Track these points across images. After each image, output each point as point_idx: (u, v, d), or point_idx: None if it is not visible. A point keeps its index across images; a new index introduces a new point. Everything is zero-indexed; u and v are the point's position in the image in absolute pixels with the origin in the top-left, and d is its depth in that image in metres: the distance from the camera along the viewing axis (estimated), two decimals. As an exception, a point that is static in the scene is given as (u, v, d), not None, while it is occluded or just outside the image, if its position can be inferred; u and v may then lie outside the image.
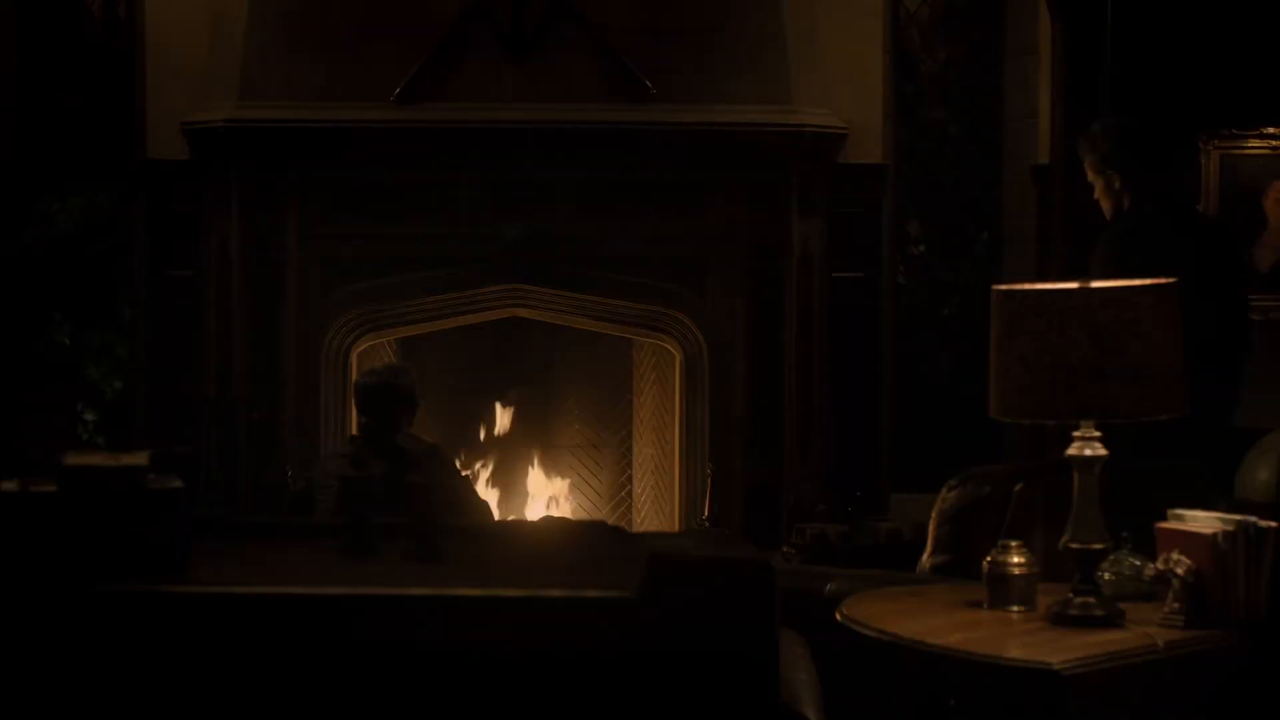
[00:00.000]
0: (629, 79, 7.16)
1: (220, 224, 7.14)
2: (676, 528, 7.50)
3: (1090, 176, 5.51)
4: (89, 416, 7.32)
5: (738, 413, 7.34)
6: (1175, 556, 3.62)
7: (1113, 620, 3.60)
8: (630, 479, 7.93)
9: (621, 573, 2.88)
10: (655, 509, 7.75)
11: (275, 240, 7.15)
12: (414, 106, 7.10)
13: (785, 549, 6.93)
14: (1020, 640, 3.54)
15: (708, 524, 6.97)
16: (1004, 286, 3.65)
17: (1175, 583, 3.60)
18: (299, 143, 7.09)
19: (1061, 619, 3.62)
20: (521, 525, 4.53)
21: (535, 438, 7.80)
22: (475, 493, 6.21)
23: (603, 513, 7.90)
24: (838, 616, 3.77)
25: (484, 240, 7.21)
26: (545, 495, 7.73)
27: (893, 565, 6.17)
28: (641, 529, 7.80)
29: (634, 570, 2.90)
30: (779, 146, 7.24)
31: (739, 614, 3.05)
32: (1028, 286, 3.61)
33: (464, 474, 6.20)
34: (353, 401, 6.24)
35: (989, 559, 3.78)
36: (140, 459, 2.79)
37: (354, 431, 6.20)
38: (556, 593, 2.66)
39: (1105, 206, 5.50)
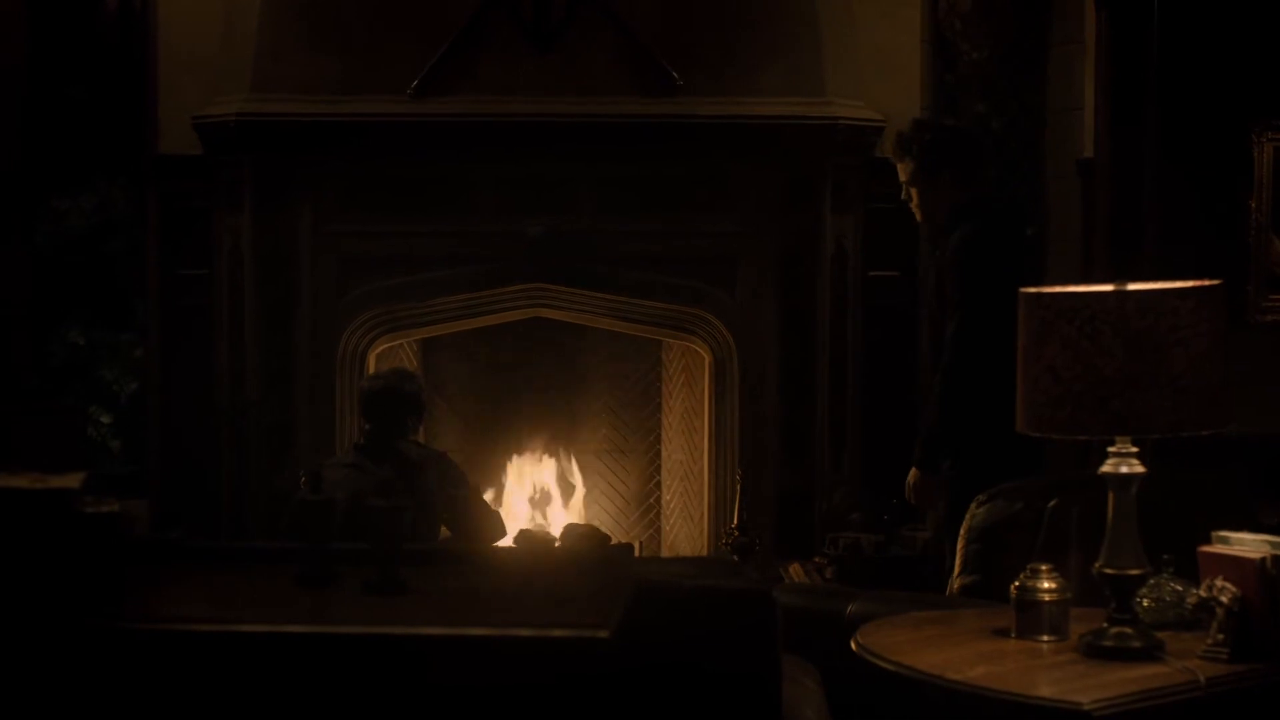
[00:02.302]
0: (655, 70, 6.90)
1: (233, 221, 6.92)
2: (705, 536, 7.24)
3: (906, 178, 5.42)
4: (104, 419, 7.11)
5: (769, 417, 7.07)
6: (1219, 583, 3.33)
7: (1151, 653, 3.31)
8: (659, 485, 7.66)
9: (609, 604, 2.61)
10: (684, 516, 7.48)
11: (289, 238, 6.92)
12: (432, 100, 6.86)
13: (818, 559, 6.67)
14: (1049, 675, 3.26)
15: (737, 533, 6.70)
16: (1032, 289, 3.37)
17: (1219, 612, 3.31)
18: (313, 137, 6.86)
19: (1095, 650, 3.34)
20: (512, 550, 4.25)
21: (561, 442, 7.54)
22: (485, 503, 5.94)
23: (630, 519, 7.65)
24: (853, 646, 3.50)
25: (505, 238, 6.97)
26: (570, 502, 7.48)
27: (929, 577, 5.91)
28: (670, 537, 7.56)
29: (624, 601, 2.64)
30: (812, 140, 6.96)
31: (735, 650, 2.79)
32: (1057, 289, 3.32)
33: (473, 482, 5.93)
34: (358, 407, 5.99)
35: (1017, 584, 3.50)
36: (72, 481, 2.54)
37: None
38: (513, 631, 2.39)
39: (920, 208, 5.41)
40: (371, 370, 6.97)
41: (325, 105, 6.84)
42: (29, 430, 6.78)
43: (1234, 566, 3.34)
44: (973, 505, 4.34)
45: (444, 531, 5.63)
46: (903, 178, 5.45)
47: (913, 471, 5.34)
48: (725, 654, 2.77)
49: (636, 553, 7.13)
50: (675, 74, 6.89)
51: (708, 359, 7.20)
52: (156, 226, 7.02)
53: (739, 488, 6.83)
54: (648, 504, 7.67)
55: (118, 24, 7.03)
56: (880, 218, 7.11)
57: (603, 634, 2.41)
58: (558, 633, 2.40)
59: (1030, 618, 3.47)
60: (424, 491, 5.41)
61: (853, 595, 4.26)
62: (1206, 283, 3.27)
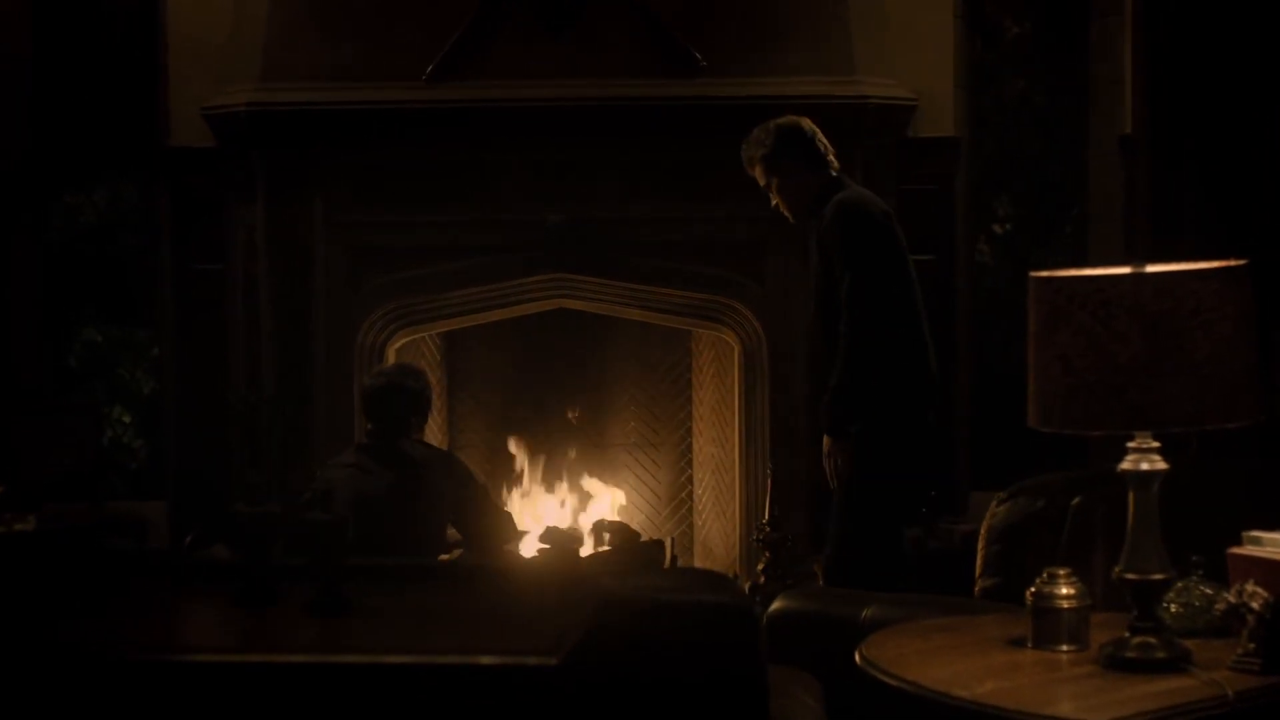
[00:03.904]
0: (676, 51, 6.66)
1: (245, 214, 6.73)
2: (738, 531, 7.01)
3: (762, 180, 5.49)
4: (125, 419, 6.95)
5: (800, 408, 6.80)
6: (1250, 588, 3.08)
7: (1176, 664, 3.06)
8: (691, 479, 7.43)
9: (566, 626, 2.39)
10: (716, 511, 7.25)
11: (303, 230, 6.72)
12: (447, 85, 6.64)
13: (852, 554, 6.42)
14: (1064, 690, 3.02)
15: (768, 528, 6.47)
16: (1042, 273, 3.12)
17: (1250, 619, 3.06)
18: (325, 126, 6.65)
19: (1116, 662, 3.09)
20: (471, 564, 4.02)
21: (588, 436, 7.33)
22: (495, 503, 5.72)
23: (661, 515, 7.43)
24: (857, 658, 3.26)
25: (525, 227, 6.74)
26: (601, 498, 7.26)
27: (967, 572, 5.65)
28: (702, 532, 7.34)
29: (584, 622, 2.41)
30: (841, 120, 6.60)
31: (712, 670, 2.56)
32: (1069, 272, 3.07)
33: (482, 482, 5.71)
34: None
35: (1033, 589, 3.26)
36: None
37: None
38: (451, 659, 2.17)
39: (785, 203, 5.46)
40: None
41: (337, 93, 6.63)
42: (37, 431, 6.65)
43: (1266, 569, 3.10)
44: (993, 503, 4.10)
45: (453, 534, 5.44)
46: (761, 183, 5.51)
47: (825, 440, 5.26)
48: (701, 674, 2.54)
49: (667, 549, 6.92)
50: (697, 54, 6.66)
51: (737, 349, 6.97)
52: (169, 221, 6.84)
53: (770, 481, 6.59)
54: (679, 499, 7.45)
55: (126, 13, 6.86)
56: (914, 200, 6.86)
57: (551, 661, 2.18)
58: (498, 660, 2.18)
59: (1047, 626, 3.23)
60: (429, 493, 5.21)
61: (868, 599, 4.03)
62: (1230, 263, 3.01)
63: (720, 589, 2.81)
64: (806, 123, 5.48)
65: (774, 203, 5.50)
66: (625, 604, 2.50)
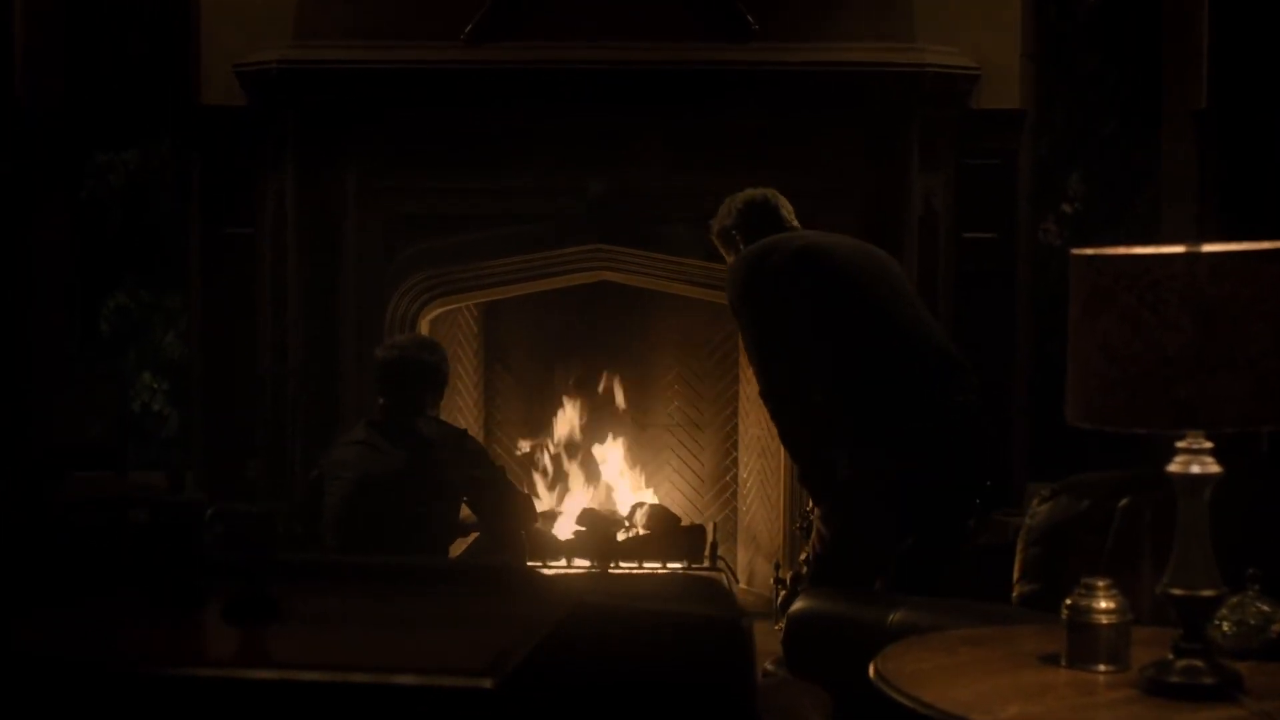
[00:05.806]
0: (729, 14, 6.35)
1: (276, 177, 6.47)
2: (782, 518, 6.70)
3: (726, 254, 5.21)
4: (156, 386, 6.73)
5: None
6: (1311, 608, 2.76)
7: (1225, 691, 2.74)
8: (735, 462, 7.13)
9: (515, 638, 2.10)
10: (761, 496, 6.95)
11: (334, 195, 6.45)
12: (486, 46, 6.35)
13: (900, 546, 6.11)
14: (1098, 717, 2.72)
15: (810, 516, 6.16)
16: (1087, 251, 2.80)
17: (1310, 643, 2.74)
18: (359, 86, 6.37)
19: (1158, 687, 2.77)
20: (417, 563, 3.73)
21: (630, 415, 7.04)
22: (511, 484, 5.43)
23: (704, 499, 7.15)
24: (871, 672, 2.96)
25: (565, 195, 6.45)
26: (639, 481, 6.99)
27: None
28: (746, 518, 7.05)
29: (537, 635, 2.12)
30: (899, 89, 6.37)
31: (695, 691, 2.26)
32: (1114, 251, 2.75)
33: (500, 465, 5.43)
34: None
35: (1069, 602, 2.94)
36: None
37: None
38: (348, 677, 1.88)
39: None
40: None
41: (372, 52, 6.35)
42: (62, 399, 6.48)
43: (1328, 587, 2.77)
44: (1034, 502, 3.78)
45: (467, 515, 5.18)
46: (726, 254, 5.26)
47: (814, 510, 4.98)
48: (681, 696, 2.24)
49: (709, 535, 6.65)
50: (750, 18, 6.34)
51: (785, 327, 6.64)
52: (199, 182, 6.60)
53: (815, 467, 6.27)
54: (723, 482, 7.16)
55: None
56: (974, 175, 6.56)
57: (485, 684, 1.88)
58: (421, 681, 1.89)
59: (1083, 643, 2.91)
60: (441, 473, 4.94)
61: (898, 602, 3.73)
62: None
63: (708, 599, 2.51)
64: (770, 194, 5.22)
65: None
66: (595, 614, 2.21)
